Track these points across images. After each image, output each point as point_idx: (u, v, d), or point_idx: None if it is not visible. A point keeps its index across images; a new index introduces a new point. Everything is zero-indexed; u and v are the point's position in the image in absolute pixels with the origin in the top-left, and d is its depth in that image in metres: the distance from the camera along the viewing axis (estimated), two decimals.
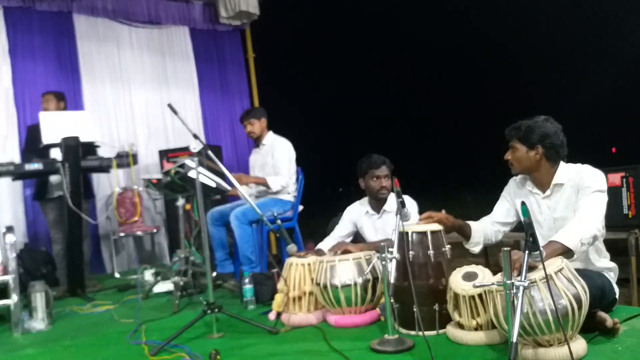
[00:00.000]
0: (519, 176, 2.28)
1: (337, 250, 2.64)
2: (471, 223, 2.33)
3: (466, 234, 2.30)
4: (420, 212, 2.76)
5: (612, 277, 2.12)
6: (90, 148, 3.86)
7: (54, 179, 3.83)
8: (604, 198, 2.00)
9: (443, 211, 2.29)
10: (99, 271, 5.06)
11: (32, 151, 3.82)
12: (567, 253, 1.85)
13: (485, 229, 2.33)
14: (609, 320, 1.85)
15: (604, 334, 1.86)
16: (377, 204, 2.89)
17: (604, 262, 2.12)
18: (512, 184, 2.32)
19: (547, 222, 2.14)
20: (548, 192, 2.13)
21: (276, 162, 3.66)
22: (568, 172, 2.10)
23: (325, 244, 2.90)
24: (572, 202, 2.06)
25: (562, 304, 1.64)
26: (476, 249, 2.31)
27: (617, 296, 2.12)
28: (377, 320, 2.41)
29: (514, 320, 1.51)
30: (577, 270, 1.83)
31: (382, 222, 2.87)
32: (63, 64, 5.22)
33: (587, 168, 2.08)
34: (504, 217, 2.32)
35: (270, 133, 3.81)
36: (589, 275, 1.89)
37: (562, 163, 2.13)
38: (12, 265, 2.84)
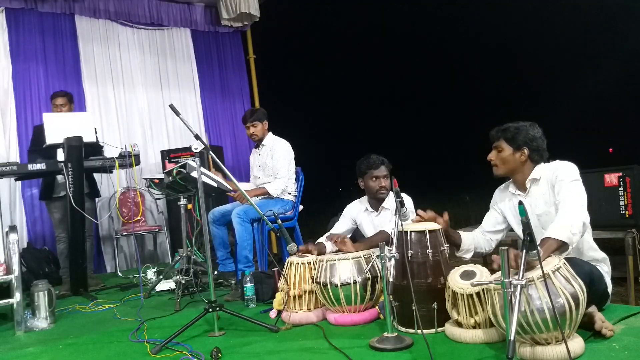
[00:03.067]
0: (502, 185, 2.37)
1: (336, 240, 2.68)
2: (462, 232, 2.40)
3: (456, 243, 2.36)
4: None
5: (605, 270, 2.14)
6: (95, 148, 3.89)
7: (60, 178, 3.85)
8: (581, 186, 2.05)
9: (430, 212, 2.33)
10: (101, 270, 5.09)
11: (37, 151, 3.85)
12: (562, 247, 1.87)
13: (476, 238, 2.40)
14: (598, 323, 1.86)
15: (596, 334, 1.87)
16: (376, 203, 2.94)
17: (593, 252, 2.15)
18: (497, 193, 2.41)
19: (532, 220, 2.17)
20: (527, 190, 2.20)
21: (275, 163, 3.69)
22: (543, 169, 2.17)
23: (325, 239, 2.94)
24: (549, 198, 2.11)
25: (560, 302, 1.65)
26: (467, 256, 2.39)
27: (609, 289, 2.13)
28: (376, 319, 2.42)
29: (512, 319, 1.53)
30: (565, 258, 1.84)
31: (380, 219, 2.92)
32: (65, 65, 5.26)
33: (558, 163, 2.15)
34: (493, 227, 2.40)
35: (270, 134, 3.85)
36: (576, 262, 1.90)
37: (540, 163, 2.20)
38: (15, 264, 2.86)
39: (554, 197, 2.09)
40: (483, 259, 3.85)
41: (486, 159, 2.27)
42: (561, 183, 2.05)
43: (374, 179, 2.85)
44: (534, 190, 2.17)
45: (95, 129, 3.84)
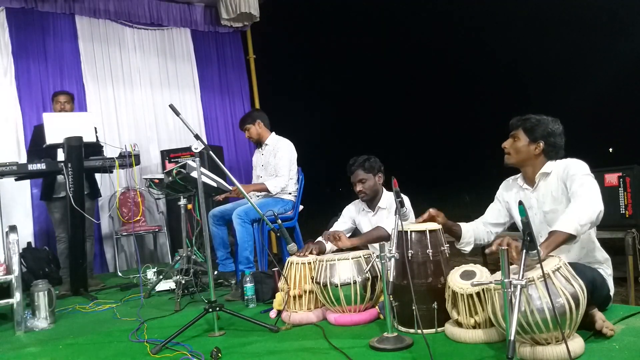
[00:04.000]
0: (510, 178, 2.34)
1: (331, 237, 2.69)
2: (462, 224, 2.37)
3: (457, 234, 2.34)
4: (416, 210, 2.80)
5: (608, 273, 2.13)
6: (95, 148, 3.89)
7: (60, 178, 3.85)
8: (594, 180, 2.03)
9: (429, 211, 2.31)
10: (101, 270, 5.09)
11: (36, 151, 3.84)
12: (569, 239, 1.85)
13: (477, 229, 2.38)
14: (598, 322, 1.86)
15: (597, 334, 1.86)
16: (372, 203, 2.94)
17: (597, 252, 2.14)
18: (503, 185, 2.38)
19: (537, 216, 2.17)
20: (535, 184, 2.18)
21: (278, 162, 3.70)
22: (554, 165, 2.15)
23: (322, 239, 2.94)
24: (559, 195, 2.10)
25: (560, 302, 1.65)
26: (467, 249, 2.37)
27: (611, 293, 2.13)
28: (376, 319, 2.42)
29: (512, 319, 1.53)
30: (569, 263, 1.84)
31: (377, 218, 2.94)
32: (65, 65, 5.26)
33: (569, 160, 2.13)
34: (495, 219, 2.37)
35: (273, 134, 3.86)
36: (579, 268, 1.90)
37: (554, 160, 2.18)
38: (15, 264, 2.86)
39: (564, 196, 2.07)
40: (483, 258, 3.86)
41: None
42: (573, 177, 2.03)
43: (352, 184, 2.90)
44: (543, 186, 2.15)
45: (95, 128, 3.84)
